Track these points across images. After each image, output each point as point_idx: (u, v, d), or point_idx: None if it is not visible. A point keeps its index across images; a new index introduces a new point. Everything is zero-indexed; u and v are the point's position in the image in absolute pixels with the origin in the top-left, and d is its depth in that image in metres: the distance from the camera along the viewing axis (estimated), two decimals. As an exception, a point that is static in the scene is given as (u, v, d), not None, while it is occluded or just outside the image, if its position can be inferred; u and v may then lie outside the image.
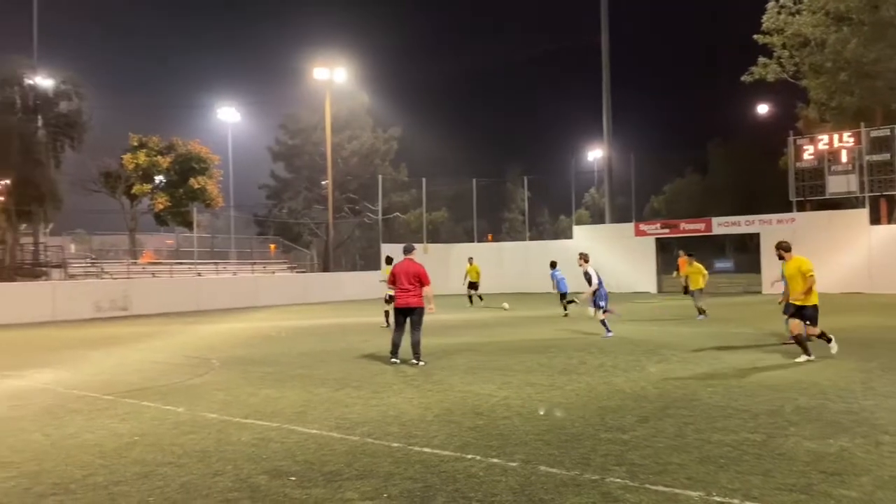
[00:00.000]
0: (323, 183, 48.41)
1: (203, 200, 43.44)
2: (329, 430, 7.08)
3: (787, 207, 32.91)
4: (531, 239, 45.79)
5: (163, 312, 26.23)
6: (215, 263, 39.98)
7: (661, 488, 5.07)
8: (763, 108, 48.21)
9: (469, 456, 6.00)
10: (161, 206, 42.34)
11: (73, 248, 47.08)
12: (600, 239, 36.75)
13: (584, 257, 15.15)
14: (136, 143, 42.25)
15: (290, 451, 6.30)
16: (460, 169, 58.58)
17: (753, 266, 36.44)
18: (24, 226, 43.96)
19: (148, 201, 43.31)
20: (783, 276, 11.37)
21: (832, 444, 6.16)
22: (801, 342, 10.69)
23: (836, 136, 31.81)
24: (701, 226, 35.22)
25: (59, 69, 41.65)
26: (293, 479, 5.49)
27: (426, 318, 11.56)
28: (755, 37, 38.17)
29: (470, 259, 27.97)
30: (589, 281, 14.64)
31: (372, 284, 28.12)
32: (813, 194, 32.02)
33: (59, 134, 40.38)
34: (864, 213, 30.57)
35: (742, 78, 39.61)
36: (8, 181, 37.82)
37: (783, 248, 11.19)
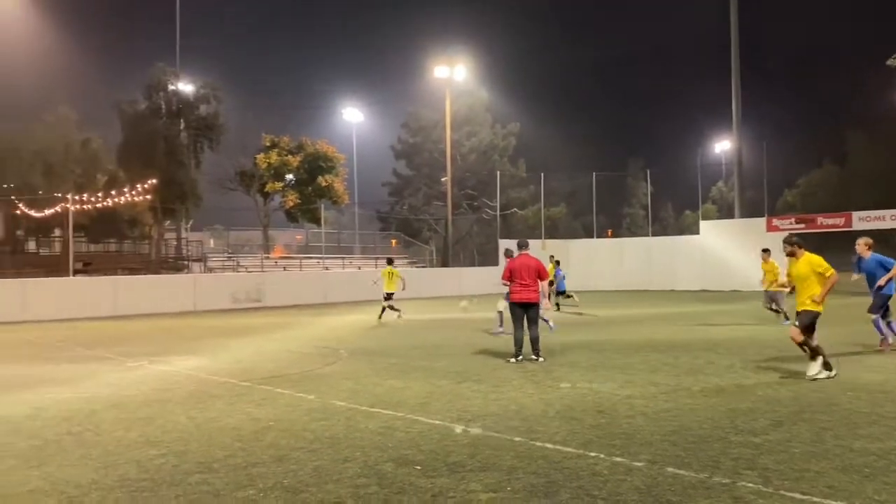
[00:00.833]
0: (442, 180, 49.07)
1: (330, 198, 45.13)
2: (451, 421, 7.20)
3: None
4: (654, 235, 44.43)
5: (293, 304, 27.48)
6: (341, 258, 41.45)
7: (797, 496, 4.82)
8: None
9: (592, 454, 5.93)
10: (291, 204, 44.34)
11: (211, 243, 50.23)
12: (729, 235, 35.17)
13: (552, 259, 17.59)
14: (268, 144, 44.45)
15: (415, 441, 6.46)
16: (579, 163, 57.77)
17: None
18: (167, 222, 47.34)
19: (279, 198, 45.50)
20: (789, 278, 9.70)
21: None
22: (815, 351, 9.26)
23: None
24: (840, 220, 32.93)
25: (199, 75, 44.38)
26: (418, 468, 5.64)
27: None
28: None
29: (551, 257, 27.79)
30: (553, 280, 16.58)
31: (490, 280, 28.26)
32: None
33: (199, 136, 43.12)
34: None
35: (888, 62, 36.75)
36: (154, 181, 40.68)
37: (795, 244, 9.39)
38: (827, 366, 9.12)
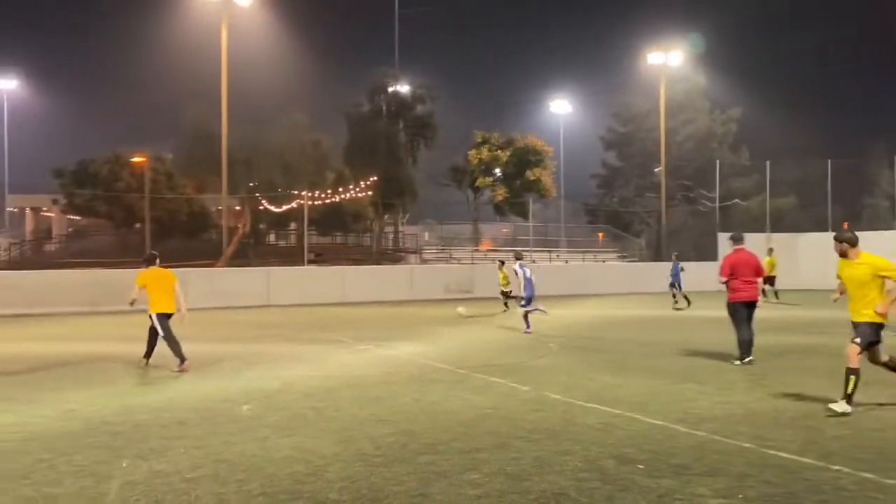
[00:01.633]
0: (655, 170, 47.33)
1: (538, 191, 45.41)
2: (673, 422, 6.97)
3: None
4: (900, 228, 39.44)
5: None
6: (548, 251, 41.52)
7: None
8: None
9: (835, 467, 5.45)
10: (500, 198, 45.22)
11: (426, 235, 52.68)
12: None
13: (517, 255, 16.59)
14: (479, 140, 45.68)
15: (635, 440, 6.34)
16: (811, 149, 52.76)
17: None
18: (387, 216, 50.36)
19: (489, 193, 46.61)
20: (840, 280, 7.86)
21: None
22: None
23: None
24: None
25: (416, 75, 46.59)
26: (641, 467, 5.53)
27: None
28: None
29: (770, 250, 25.45)
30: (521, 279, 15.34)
31: (705, 275, 26.81)
32: None
33: (415, 135, 45.37)
34: None
35: None
36: (375, 178, 43.42)
37: (848, 242, 7.62)
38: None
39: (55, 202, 49.51)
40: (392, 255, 45.67)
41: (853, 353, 7.32)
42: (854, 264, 7.61)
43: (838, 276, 7.96)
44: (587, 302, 25.49)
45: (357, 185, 43.92)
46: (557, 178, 49.04)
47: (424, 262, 39.89)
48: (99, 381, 9.56)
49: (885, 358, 7.60)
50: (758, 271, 10.74)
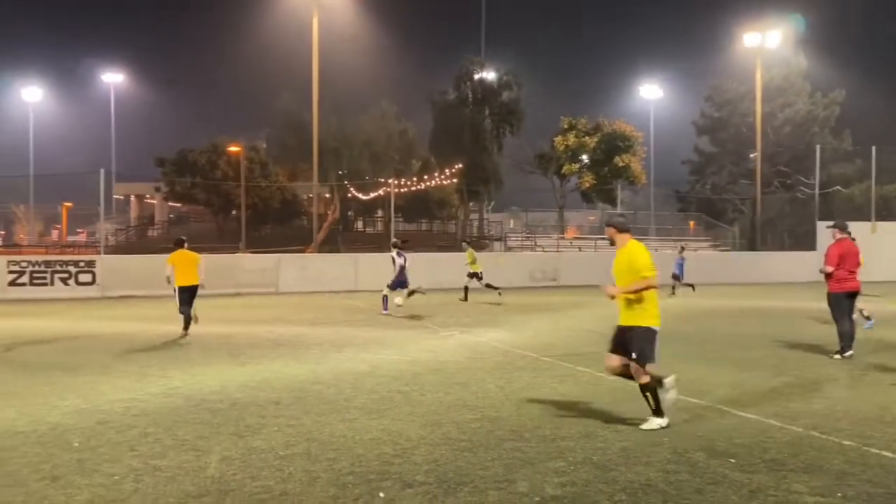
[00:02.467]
0: (751, 156, 45.49)
1: (627, 178, 44.48)
2: (767, 416, 6.74)
3: None
4: None
5: (588, 284, 27.65)
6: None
7: None
8: None
9: (945, 469, 5.16)
10: (587, 185, 44.55)
11: (511, 223, 52.56)
12: None
13: (394, 244, 17.36)
14: (566, 126, 45.07)
15: (726, 433, 6.17)
16: (921, 133, 49.48)
17: None
18: (472, 204, 50.49)
19: (575, 180, 45.99)
20: None
21: None
22: None
23: None
24: None
25: (502, 62, 46.40)
26: (732, 461, 5.39)
27: None
28: None
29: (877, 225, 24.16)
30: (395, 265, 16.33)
31: (803, 266, 25.70)
32: None
33: (501, 122, 45.22)
34: None
35: None
36: (460, 165, 43.55)
37: None
38: None
39: (157, 190, 52.09)
40: (477, 242, 45.80)
41: None
42: None
43: None
44: (677, 292, 24.81)
45: (442, 172, 44.22)
46: (647, 165, 47.85)
47: (509, 249, 39.80)
48: (199, 361, 10.04)
49: None
50: (860, 262, 10.28)
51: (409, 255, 17.66)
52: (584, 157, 45.35)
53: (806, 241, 35.90)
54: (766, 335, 12.75)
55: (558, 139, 44.61)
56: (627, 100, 57.03)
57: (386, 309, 16.53)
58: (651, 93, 51.92)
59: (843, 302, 10.20)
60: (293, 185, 48.46)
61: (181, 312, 12.74)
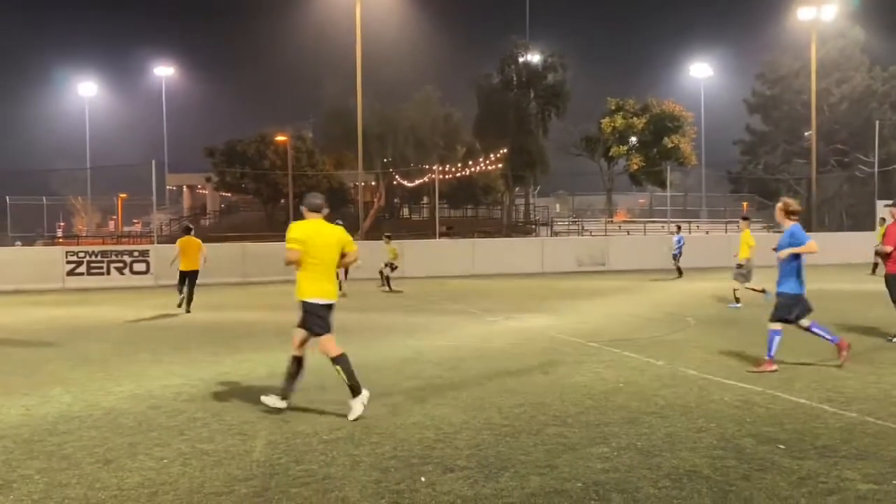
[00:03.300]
0: (806, 134, 44.14)
1: (676, 159, 43.66)
2: (819, 402, 6.56)
3: None
4: None
5: (637, 269, 27.29)
6: (688, 222, 39.91)
7: None
8: None
9: None
10: (636, 167, 43.87)
11: (557, 207, 52.16)
12: None
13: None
14: (613, 107, 44.40)
15: (777, 418, 6.03)
16: None
17: None
18: (517, 188, 50.21)
19: (623, 162, 45.32)
20: None
21: None
22: None
23: None
24: None
25: (547, 44, 45.90)
26: (782, 447, 5.26)
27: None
28: None
29: (882, 220, 23.02)
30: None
31: (862, 247, 24.85)
32: None
33: (546, 104, 44.76)
34: None
35: None
36: (505, 150, 43.29)
37: None
38: None
39: (208, 180, 53.16)
40: (522, 228, 45.54)
41: None
42: None
43: None
44: (728, 275, 24.30)
45: (487, 157, 44.04)
46: (697, 145, 46.91)
47: (556, 234, 39.49)
48: (249, 348, 10.24)
49: None
50: None
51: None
52: (633, 139, 44.63)
53: (865, 222, 34.74)
54: (822, 318, 12.35)
55: (605, 121, 43.98)
56: (677, 79, 55.88)
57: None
58: (701, 71, 50.78)
59: (898, 283, 9.84)
60: (339, 174, 48.90)
61: (178, 291, 14.87)
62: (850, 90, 46.79)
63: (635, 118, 43.39)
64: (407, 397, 7.03)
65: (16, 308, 16.45)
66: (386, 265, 19.95)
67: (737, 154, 53.32)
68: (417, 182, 45.52)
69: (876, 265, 21.83)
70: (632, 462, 5.01)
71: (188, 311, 14.56)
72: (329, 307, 6.65)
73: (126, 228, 56.29)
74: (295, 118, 53.15)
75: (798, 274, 7.95)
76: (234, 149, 48.31)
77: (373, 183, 48.07)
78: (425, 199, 52.94)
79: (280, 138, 45.94)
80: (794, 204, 8.17)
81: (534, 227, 45.30)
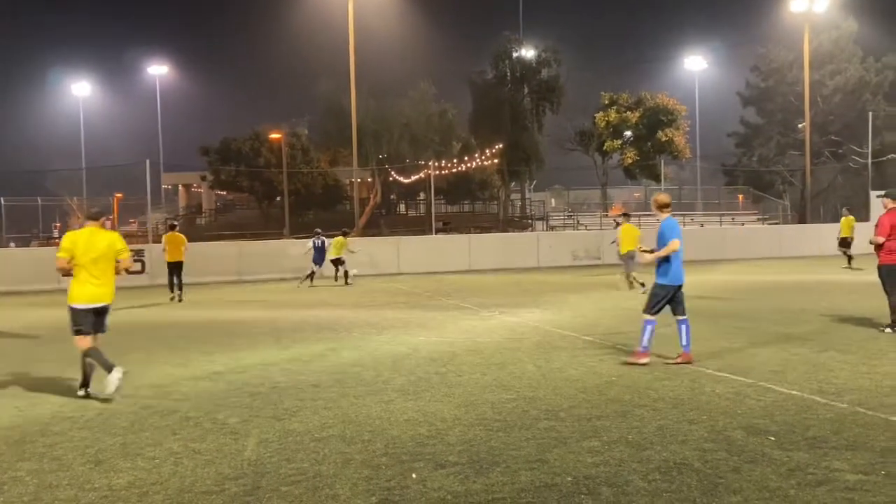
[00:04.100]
0: (799, 126, 44.21)
1: (670, 152, 43.72)
2: (811, 393, 6.58)
3: None
4: None
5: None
6: (682, 215, 39.97)
7: None
8: None
9: None
10: (630, 161, 43.90)
11: (552, 202, 52.15)
12: None
13: (316, 233, 20.22)
14: (607, 102, 44.43)
15: (768, 410, 6.05)
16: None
17: None
18: (513, 184, 50.21)
19: (618, 156, 45.34)
20: None
21: None
22: None
23: None
24: None
25: (540, 39, 45.82)
26: (772, 438, 5.28)
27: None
28: None
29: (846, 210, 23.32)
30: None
31: (857, 239, 24.87)
32: None
33: (540, 100, 44.71)
34: None
35: None
36: (501, 146, 43.24)
37: None
38: None
39: (203, 179, 53.03)
40: (518, 223, 45.55)
41: None
42: None
43: None
44: (725, 267, 24.37)
45: (483, 153, 44.00)
46: (692, 139, 46.94)
47: (551, 228, 39.51)
48: (243, 346, 10.23)
49: None
50: None
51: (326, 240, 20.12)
52: (627, 133, 44.67)
53: (859, 213, 34.83)
54: (814, 309, 12.43)
55: (599, 115, 44.02)
56: (670, 73, 55.90)
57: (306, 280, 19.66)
58: (695, 64, 50.79)
59: (894, 274, 9.85)
60: (334, 170, 48.82)
61: (170, 289, 16.60)
62: (843, 81, 46.83)
63: (629, 112, 43.41)
64: (401, 394, 7.03)
65: (11, 309, 16.42)
66: (331, 261, 20.32)
67: (731, 147, 53.43)
68: (413, 178, 45.48)
69: (850, 258, 21.81)
70: (622, 455, 5.02)
71: (180, 301, 16.07)
72: (93, 311, 7.45)
73: (122, 228, 56.13)
74: (290, 116, 53.13)
75: (674, 265, 8.02)
76: (229, 147, 48.21)
77: (369, 179, 48.02)
78: (421, 195, 52.91)
79: (275, 136, 45.84)
80: (665, 198, 8.44)
81: (530, 221, 45.30)
